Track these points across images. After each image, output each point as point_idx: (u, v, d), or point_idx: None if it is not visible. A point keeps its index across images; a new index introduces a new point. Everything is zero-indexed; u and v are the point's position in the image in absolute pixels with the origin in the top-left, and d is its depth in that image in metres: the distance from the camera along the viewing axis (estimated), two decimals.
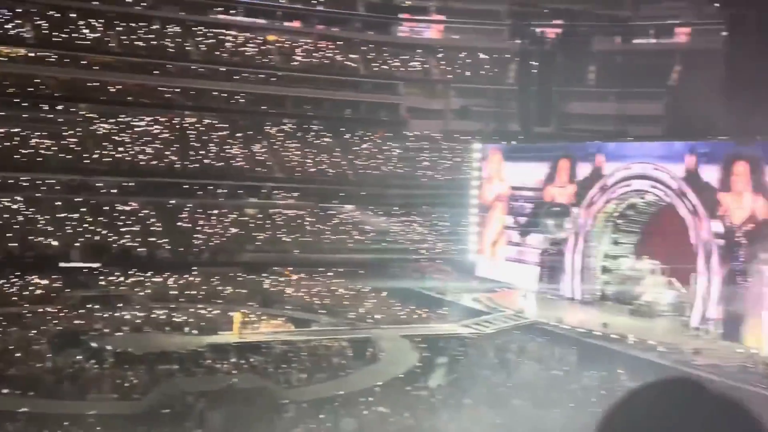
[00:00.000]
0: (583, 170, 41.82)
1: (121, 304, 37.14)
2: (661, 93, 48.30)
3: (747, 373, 27.97)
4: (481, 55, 60.62)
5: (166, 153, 52.63)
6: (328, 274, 45.87)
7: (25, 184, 48.00)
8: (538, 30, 54.02)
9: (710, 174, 34.90)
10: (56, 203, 47.84)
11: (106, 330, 32.78)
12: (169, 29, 55.92)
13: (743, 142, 33.69)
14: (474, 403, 26.24)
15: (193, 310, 37.35)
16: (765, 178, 32.36)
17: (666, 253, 39.85)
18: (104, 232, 46.89)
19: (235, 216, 51.08)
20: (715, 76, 34.82)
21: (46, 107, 51.70)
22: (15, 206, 47.27)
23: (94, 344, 30.56)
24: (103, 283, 41.70)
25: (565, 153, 43.21)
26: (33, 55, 52.20)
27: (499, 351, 32.48)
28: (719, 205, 34.33)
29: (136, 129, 53.30)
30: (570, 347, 32.47)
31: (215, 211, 50.87)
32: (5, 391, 25.58)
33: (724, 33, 37.81)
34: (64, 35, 53.20)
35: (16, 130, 50.61)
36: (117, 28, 54.36)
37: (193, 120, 55.34)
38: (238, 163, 53.68)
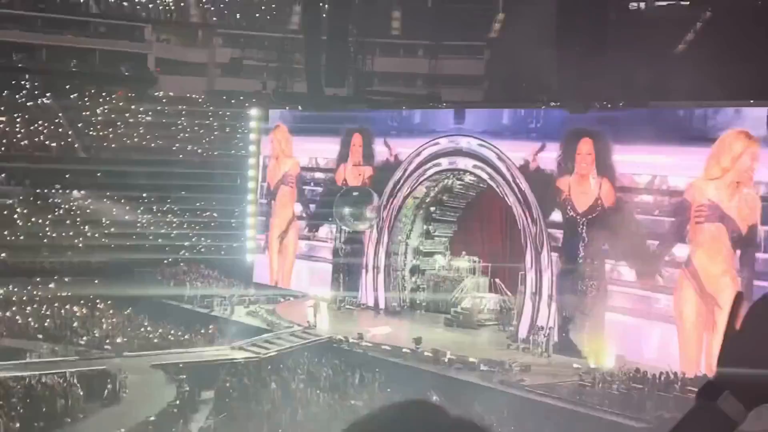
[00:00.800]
0: (385, 145, 42.91)
1: None
2: (481, 47, 50.37)
3: (584, 393, 29.56)
4: None
5: None
6: (50, 285, 44.18)
7: None
8: None
9: (546, 152, 36.41)
10: None
11: None
12: None
13: (577, 109, 35.49)
14: None
15: None
16: (611, 158, 34.03)
17: (489, 249, 41.79)
18: None
19: None
20: (545, 27, 36.74)
21: None
22: None
23: None
24: None
25: (361, 124, 44.11)
26: None
27: (283, 379, 32.86)
28: (556, 189, 36.07)
29: None
30: (373, 370, 33.37)
31: None
32: None
33: None
34: None
35: None
36: None
37: None
38: None
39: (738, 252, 29.71)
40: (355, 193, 42.60)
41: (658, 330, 31.96)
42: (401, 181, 42.34)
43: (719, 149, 30.40)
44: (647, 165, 32.91)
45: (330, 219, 43.90)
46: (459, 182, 42.20)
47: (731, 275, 29.67)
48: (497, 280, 40.65)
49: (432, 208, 43.47)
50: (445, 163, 40.86)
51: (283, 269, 46.98)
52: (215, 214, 52.04)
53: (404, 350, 34.53)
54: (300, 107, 47.87)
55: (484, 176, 39.31)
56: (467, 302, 40.27)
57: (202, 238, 51.17)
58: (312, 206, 46.22)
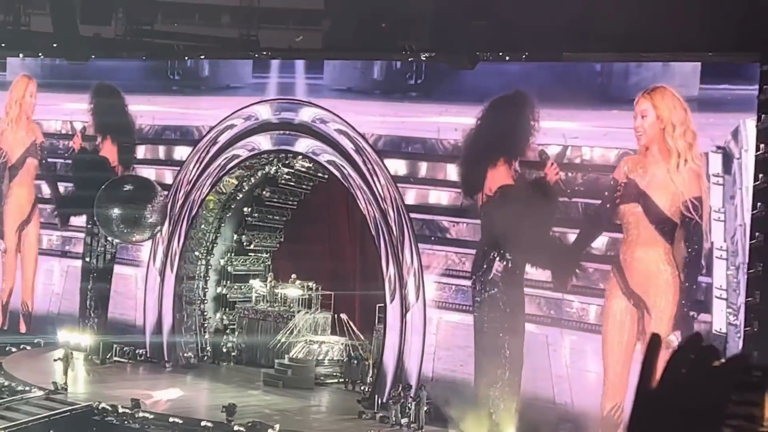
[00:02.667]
0: (171, 113, 43.36)
1: None
2: None
3: None
4: None
5: None
6: None
7: None
8: None
9: (422, 125, 37.01)
10: None
11: None
12: None
13: (461, 63, 36.20)
14: None
15: None
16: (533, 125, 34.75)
17: (333, 269, 42.81)
18: None
19: None
20: None
21: None
22: None
23: None
24: None
25: (115, 77, 44.44)
26: None
27: None
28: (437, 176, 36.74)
29: None
30: None
31: None
32: None
33: None
34: None
35: None
36: None
37: None
38: None
39: (671, 241, 31.72)
40: (127, 187, 41.08)
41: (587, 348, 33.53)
42: (197, 167, 42.15)
43: (634, 114, 32.83)
44: (562, 134, 34.34)
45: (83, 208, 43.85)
46: (287, 170, 42.27)
47: (662, 269, 31.75)
48: (344, 317, 40.93)
49: (246, 209, 43.48)
50: (263, 143, 40.92)
51: (24, 274, 47.32)
52: None
53: (204, 424, 34.34)
54: (41, 54, 47.30)
55: (326, 162, 39.64)
56: (300, 350, 40.23)
57: None
58: (61, 186, 46.66)
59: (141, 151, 44.48)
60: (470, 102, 35.96)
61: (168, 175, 43.12)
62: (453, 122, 36.28)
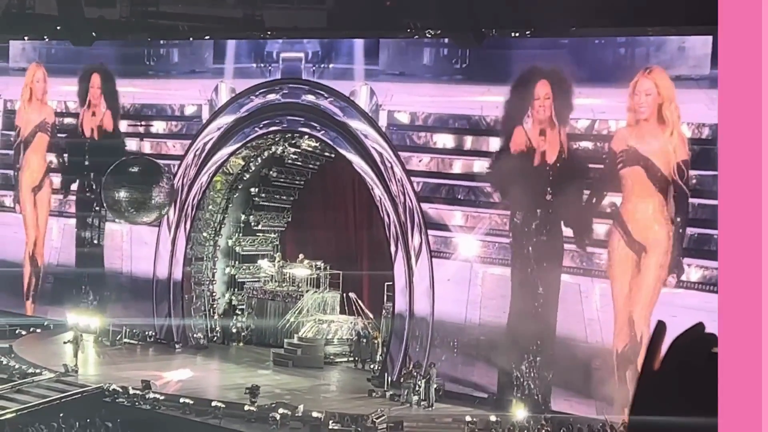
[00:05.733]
0: (148, 93, 44.43)
1: None
2: None
3: None
4: None
5: None
6: None
7: None
8: None
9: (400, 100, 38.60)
10: None
11: None
12: None
13: (467, 42, 37.10)
14: None
15: None
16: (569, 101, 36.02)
17: (341, 248, 43.15)
18: None
19: None
20: None
21: None
22: None
23: None
24: None
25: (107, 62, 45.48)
26: None
27: None
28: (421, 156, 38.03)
29: None
30: None
31: None
32: None
33: None
34: None
35: None
36: None
37: None
38: None
39: (666, 197, 34.16)
40: (133, 168, 40.06)
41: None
42: (203, 148, 42.57)
43: (631, 93, 34.75)
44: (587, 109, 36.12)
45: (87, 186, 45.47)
46: (294, 150, 42.37)
47: (659, 221, 34.24)
48: (353, 295, 41.08)
49: (253, 190, 43.68)
50: (276, 121, 41.17)
51: (37, 229, 49.05)
52: None
53: (215, 404, 34.48)
54: (46, 37, 47.66)
55: (331, 141, 39.87)
56: (309, 329, 40.37)
57: None
58: (66, 158, 48.11)
59: (123, 126, 46.39)
60: (509, 83, 37.45)
61: (146, 146, 45.17)
62: (494, 101, 37.97)
